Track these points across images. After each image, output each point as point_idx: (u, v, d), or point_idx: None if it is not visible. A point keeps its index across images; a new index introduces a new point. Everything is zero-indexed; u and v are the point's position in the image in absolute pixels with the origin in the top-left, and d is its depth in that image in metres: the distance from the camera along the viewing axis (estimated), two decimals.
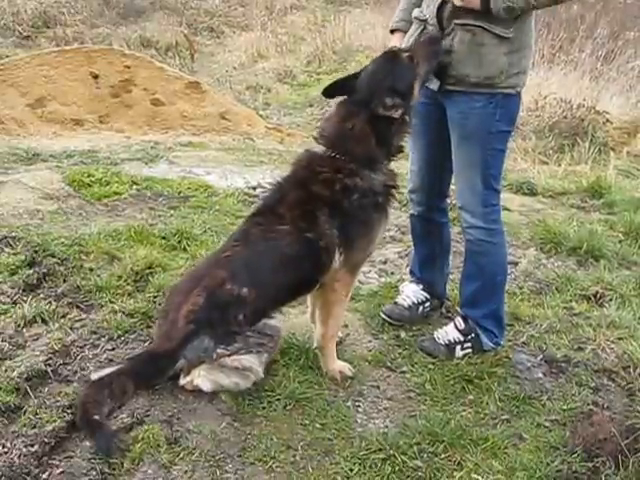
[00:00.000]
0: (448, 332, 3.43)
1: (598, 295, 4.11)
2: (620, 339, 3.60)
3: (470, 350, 3.40)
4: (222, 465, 2.64)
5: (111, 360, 3.11)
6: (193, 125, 7.85)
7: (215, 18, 16.70)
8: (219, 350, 2.83)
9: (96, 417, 2.68)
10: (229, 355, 2.84)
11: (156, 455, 2.62)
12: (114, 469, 2.58)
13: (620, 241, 5.01)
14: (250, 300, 2.87)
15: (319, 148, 3.07)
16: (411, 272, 3.85)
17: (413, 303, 3.67)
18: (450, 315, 3.74)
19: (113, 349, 3.19)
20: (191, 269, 3.26)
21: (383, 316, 3.64)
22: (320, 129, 3.19)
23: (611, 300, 4.02)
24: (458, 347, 3.40)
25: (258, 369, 2.93)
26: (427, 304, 3.72)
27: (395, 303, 3.70)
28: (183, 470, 2.58)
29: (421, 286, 3.72)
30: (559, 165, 7.48)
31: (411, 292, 3.71)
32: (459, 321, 3.46)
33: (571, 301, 4.03)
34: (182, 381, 2.90)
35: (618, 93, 10.28)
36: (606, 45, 11.71)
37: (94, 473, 2.55)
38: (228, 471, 2.62)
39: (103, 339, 3.25)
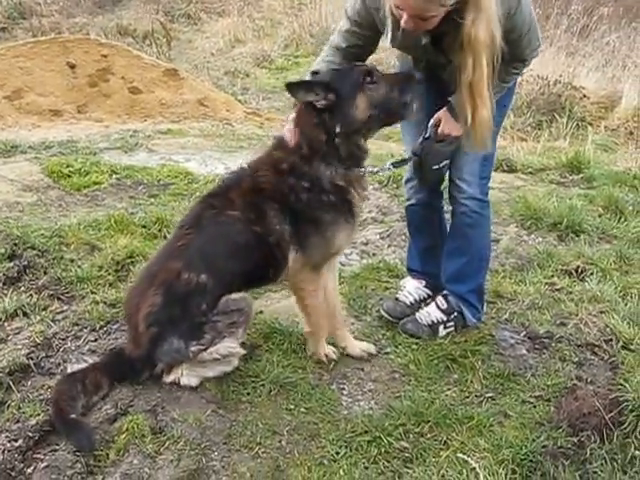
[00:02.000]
0: (430, 312, 3.43)
1: (579, 270, 4.11)
2: (602, 313, 3.60)
3: (453, 329, 3.41)
4: (208, 453, 2.64)
5: (94, 351, 3.09)
6: (172, 112, 7.80)
7: (192, 4, 16.55)
8: (193, 348, 2.80)
9: (72, 415, 2.66)
10: (205, 349, 2.82)
11: (141, 445, 2.62)
12: (99, 461, 2.58)
13: (600, 215, 5.01)
14: (210, 287, 2.82)
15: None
16: (409, 269, 3.73)
17: (415, 300, 3.59)
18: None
19: (95, 340, 3.19)
20: (145, 266, 3.17)
21: (384, 313, 3.53)
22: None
23: (592, 274, 4.03)
24: (441, 327, 3.40)
25: (238, 349, 2.92)
26: (429, 300, 3.59)
27: (396, 299, 3.60)
28: (169, 459, 2.58)
29: (423, 282, 3.64)
30: (538, 141, 7.50)
31: (413, 288, 3.63)
32: (441, 301, 3.45)
33: (553, 277, 4.03)
34: (167, 380, 2.87)
35: (594, 68, 10.33)
36: (581, 21, 11.74)
37: (79, 466, 2.55)
38: (214, 459, 2.62)
39: (85, 330, 3.24)
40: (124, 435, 2.64)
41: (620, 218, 4.95)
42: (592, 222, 4.82)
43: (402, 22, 2.63)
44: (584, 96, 9.20)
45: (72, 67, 7.97)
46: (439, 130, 3.05)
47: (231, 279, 2.89)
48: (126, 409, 2.76)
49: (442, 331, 3.40)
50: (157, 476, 2.53)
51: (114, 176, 5.19)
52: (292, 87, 2.81)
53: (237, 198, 2.92)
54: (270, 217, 2.89)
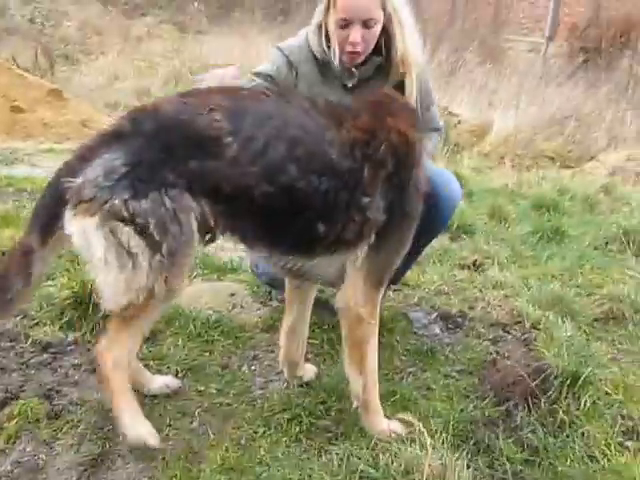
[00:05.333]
0: None
1: (477, 263, 4.15)
2: (507, 297, 3.64)
3: None
4: (112, 437, 2.37)
5: None
6: (54, 133, 7.42)
7: (70, 45, 16.18)
8: None
9: None
10: None
11: (35, 431, 2.36)
12: None
13: (485, 223, 5.13)
14: None
15: None
16: None
17: None
18: None
19: None
20: None
21: None
22: None
23: (492, 265, 4.07)
24: None
25: None
26: None
27: None
28: (68, 444, 2.32)
29: None
30: None
31: None
32: None
33: (453, 269, 4.05)
34: None
35: (467, 97, 10.83)
36: (450, 60, 12.46)
37: None
38: (119, 442, 2.35)
39: None
40: (15, 421, 2.37)
41: (505, 224, 5.08)
42: (481, 226, 4.92)
43: (350, 38, 2.63)
44: (459, 122, 9.59)
45: None
46: None
47: None
48: (17, 393, 2.49)
49: None
50: (55, 463, 2.26)
51: None
52: None
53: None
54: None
